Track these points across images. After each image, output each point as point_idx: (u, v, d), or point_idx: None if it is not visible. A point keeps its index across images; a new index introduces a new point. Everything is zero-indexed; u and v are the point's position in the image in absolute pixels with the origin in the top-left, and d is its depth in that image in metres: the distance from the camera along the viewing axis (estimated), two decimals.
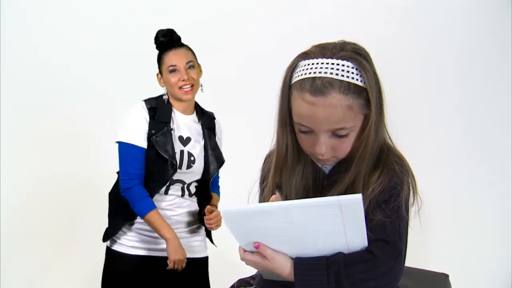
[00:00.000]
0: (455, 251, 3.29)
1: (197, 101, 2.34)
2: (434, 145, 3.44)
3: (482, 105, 3.41)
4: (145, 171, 2.21)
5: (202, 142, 2.28)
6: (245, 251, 1.16)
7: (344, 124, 1.14)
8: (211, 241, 2.39)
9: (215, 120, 2.36)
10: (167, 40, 2.24)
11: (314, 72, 1.14)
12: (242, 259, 1.17)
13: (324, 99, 1.12)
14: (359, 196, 1.01)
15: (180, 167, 2.21)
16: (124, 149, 2.20)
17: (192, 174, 2.24)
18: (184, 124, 2.28)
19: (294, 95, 1.17)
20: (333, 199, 1.02)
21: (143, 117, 2.20)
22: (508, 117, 3.31)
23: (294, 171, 1.26)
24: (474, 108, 3.44)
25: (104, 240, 2.30)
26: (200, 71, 2.30)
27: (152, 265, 2.25)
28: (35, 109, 3.60)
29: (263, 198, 1.31)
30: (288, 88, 1.19)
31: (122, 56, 3.48)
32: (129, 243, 2.25)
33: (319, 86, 1.12)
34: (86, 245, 3.39)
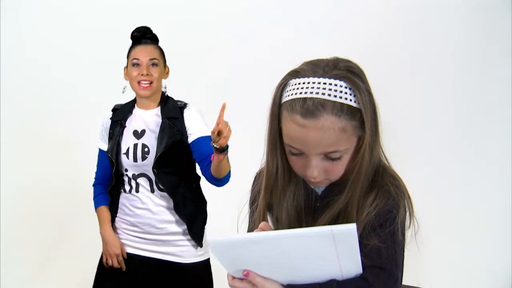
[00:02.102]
0: (450, 267, 3.27)
1: (168, 95, 2.34)
2: (427, 151, 3.42)
3: (481, 110, 3.38)
4: (110, 172, 2.32)
5: (158, 133, 2.25)
6: (234, 278, 1.11)
7: (337, 147, 1.08)
8: (198, 243, 2.29)
9: (185, 110, 2.30)
10: (139, 36, 2.31)
11: (305, 92, 1.08)
12: (231, 286, 1.12)
13: (316, 121, 1.06)
14: (353, 226, 0.96)
15: (136, 160, 2.22)
16: None
17: (150, 166, 2.22)
18: (141, 118, 2.31)
19: (284, 116, 1.11)
20: (326, 229, 0.97)
21: (104, 120, 2.37)
22: (508, 122, 3.28)
23: (285, 193, 1.21)
24: (473, 111, 3.41)
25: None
26: (167, 73, 2.33)
27: (139, 264, 2.28)
28: (30, 110, 3.60)
29: (253, 221, 1.27)
30: (278, 108, 1.13)
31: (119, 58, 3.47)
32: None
33: (310, 108, 1.06)
34: (79, 246, 3.42)
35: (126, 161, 2.22)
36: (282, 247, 1.01)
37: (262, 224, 1.16)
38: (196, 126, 2.26)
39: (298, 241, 0.99)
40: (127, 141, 2.25)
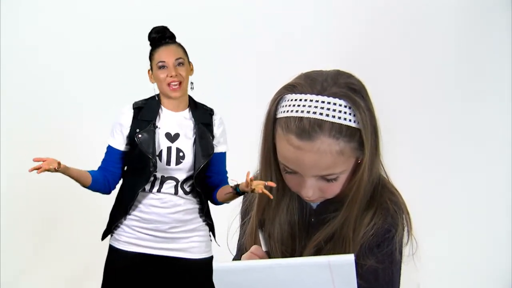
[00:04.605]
0: (450, 269, 3.27)
1: (192, 97, 2.34)
2: (425, 151, 3.42)
3: (481, 110, 3.38)
4: (130, 169, 2.30)
5: (193, 138, 2.26)
6: None
7: (333, 170, 1.03)
8: (215, 240, 2.37)
9: (214, 116, 2.33)
10: (159, 37, 2.30)
11: (302, 111, 1.01)
12: None
13: (312, 144, 1.00)
14: (351, 257, 0.92)
15: (169, 163, 2.22)
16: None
17: (183, 171, 2.24)
18: (173, 121, 2.29)
19: (278, 133, 1.05)
20: (323, 259, 0.94)
21: (123, 118, 2.27)
22: (508, 122, 3.28)
23: (279, 208, 1.17)
24: (472, 112, 3.41)
25: (102, 238, 2.38)
26: (191, 69, 2.33)
27: (147, 262, 2.28)
28: (30, 110, 3.60)
29: (245, 234, 1.23)
30: (272, 123, 1.07)
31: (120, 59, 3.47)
32: (125, 239, 2.31)
33: (306, 128, 1.00)
34: (69, 245, 3.44)
35: (158, 163, 2.22)
36: (278, 275, 0.98)
37: (254, 248, 1.11)
38: (221, 140, 2.32)
39: (294, 270, 0.97)
40: (160, 143, 2.25)
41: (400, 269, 1.13)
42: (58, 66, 3.58)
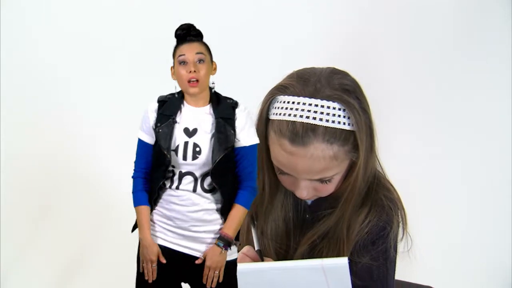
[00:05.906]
0: (448, 265, 3.26)
1: (217, 92, 2.36)
2: (424, 148, 3.39)
3: (481, 109, 3.37)
4: (152, 164, 2.28)
5: (211, 133, 2.25)
6: None
7: (326, 174, 1.02)
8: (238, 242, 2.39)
9: (236, 109, 2.31)
10: (183, 33, 2.30)
11: (295, 115, 0.98)
12: None
13: (305, 149, 0.97)
14: (344, 261, 0.92)
15: (185, 158, 2.21)
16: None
17: (200, 166, 2.22)
18: (192, 116, 2.28)
19: (271, 136, 1.03)
20: (316, 263, 0.94)
21: (149, 111, 2.26)
22: (508, 122, 3.26)
23: (273, 204, 1.15)
24: (472, 111, 3.40)
25: (132, 230, 2.40)
26: (214, 69, 2.33)
27: (172, 257, 2.30)
28: (30, 109, 3.60)
29: None
30: (264, 124, 1.05)
31: (121, 56, 3.47)
32: (153, 233, 2.34)
33: (299, 133, 0.97)
34: (67, 232, 3.41)
35: (175, 158, 2.22)
36: (272, 278, 0.98)
37: (246, 249, 1.10)
38: (244, 133, 2.30)
39: (289, 272, 0.97)
40: (177, 138, 2.24)
41: (395, 266, 1.12)
42: (58, 66, 3.57)
